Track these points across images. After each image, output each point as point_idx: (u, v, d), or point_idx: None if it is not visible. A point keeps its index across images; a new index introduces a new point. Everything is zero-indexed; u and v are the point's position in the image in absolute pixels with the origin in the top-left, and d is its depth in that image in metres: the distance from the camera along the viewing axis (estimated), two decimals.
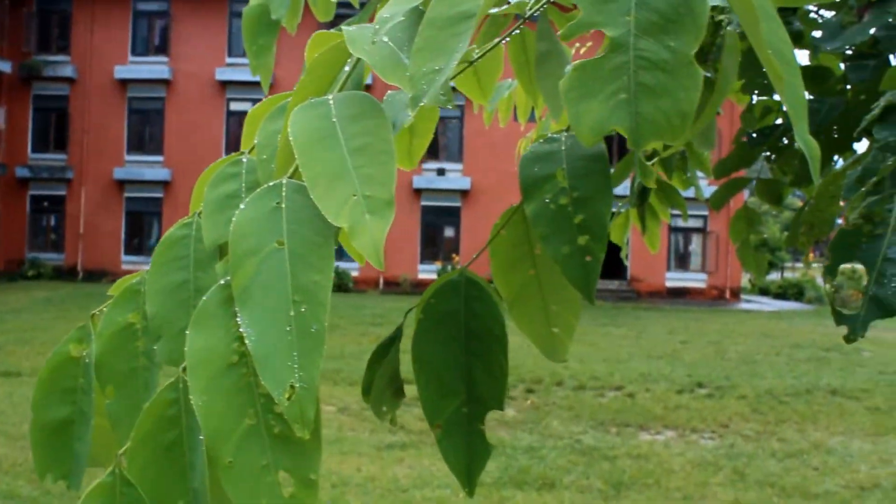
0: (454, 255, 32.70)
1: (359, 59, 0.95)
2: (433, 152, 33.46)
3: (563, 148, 1.08)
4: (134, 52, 34.45)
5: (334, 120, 0.86)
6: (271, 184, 0.86)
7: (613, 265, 31.99)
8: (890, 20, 2.10)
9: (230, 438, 0.79)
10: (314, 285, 0.79)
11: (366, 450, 9.08)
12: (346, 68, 0.99)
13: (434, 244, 33.78)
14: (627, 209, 3.48)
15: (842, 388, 13.94)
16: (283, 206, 0.84)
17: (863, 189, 1.33)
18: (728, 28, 1.52)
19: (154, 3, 34.46)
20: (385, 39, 0.90)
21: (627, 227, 3.55)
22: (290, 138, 0.84)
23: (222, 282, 0.85)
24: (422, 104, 0.77)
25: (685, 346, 18.41)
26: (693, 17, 0.69)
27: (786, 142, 2.65)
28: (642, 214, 3.39)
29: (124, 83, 34.07)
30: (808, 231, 1.67)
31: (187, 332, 0.82)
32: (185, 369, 0.84)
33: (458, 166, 33.68)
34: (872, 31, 2.13)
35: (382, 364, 1.30)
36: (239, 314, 0.80)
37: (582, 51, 3.19)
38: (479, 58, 1.19)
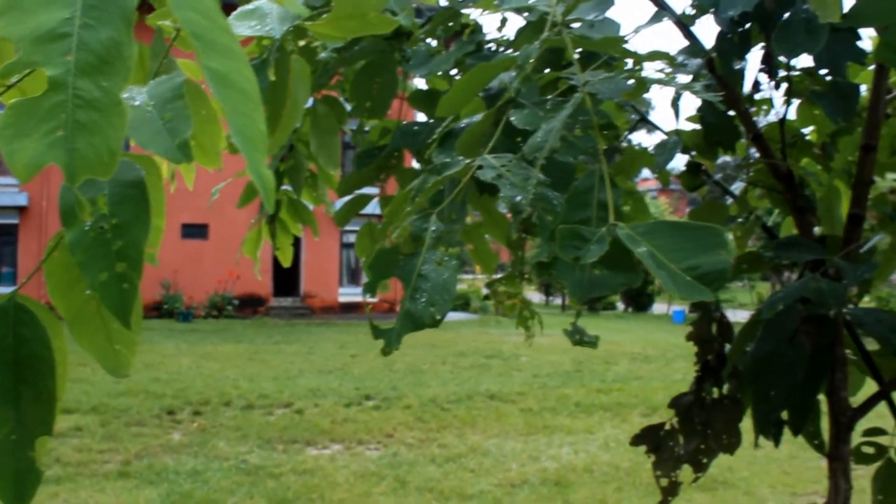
0: None
1: None
2: None
3: None
4: None
5: None
6: None
7: (288, 282, 32.03)
8: (473, 49, 2.26)
9: None
10: None
11: None
12: None
13: None
14: (259, 225, 3.51)
15: (499, 392, 14.75)
16: None
17: (408, 209, 1.42)
18: (293, 56, 1.58)
19: None
20: None
21: (260, 242, 3.57)
22: None
23: None
24: None
25: (355, 360, 18.74)
26: (122, 60, 0.72)
27: (394, 162, 2.77)
28: (273, 230, 3.43)
29: None
30: None
31: None
32: None
33: None
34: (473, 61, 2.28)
35: None
36: None
37: None
38: (18, 81, 1.17)
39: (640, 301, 40.57)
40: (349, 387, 14.99)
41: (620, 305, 41.45)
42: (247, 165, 0.78)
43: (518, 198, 1.25)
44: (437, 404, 13.53)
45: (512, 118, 1.42)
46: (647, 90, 1.50)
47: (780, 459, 9.95)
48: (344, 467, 9.64)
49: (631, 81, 1.39)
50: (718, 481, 9.34)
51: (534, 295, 40.28)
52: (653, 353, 21.28)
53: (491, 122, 1.50)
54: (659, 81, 1.41)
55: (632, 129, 3.01)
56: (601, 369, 18.34)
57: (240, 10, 1.32)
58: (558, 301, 42.29)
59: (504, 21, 2.26)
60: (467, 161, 1.40)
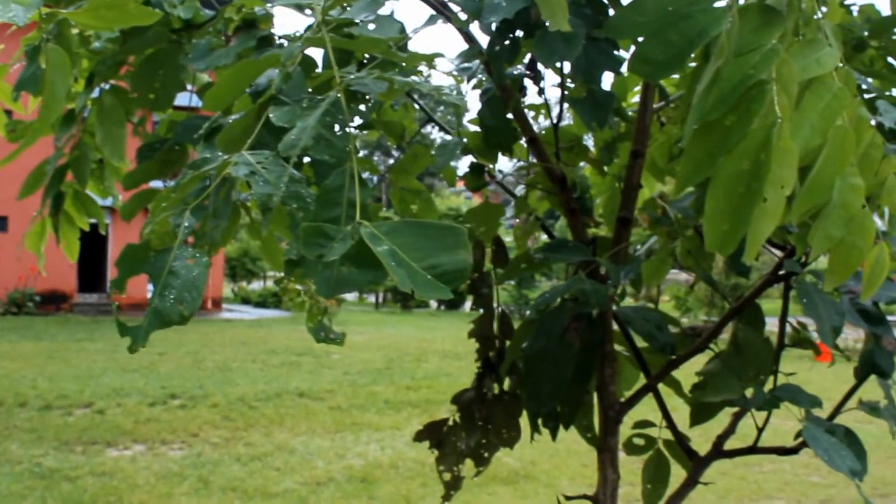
0: None
1: None
2: None
3: None
4: None
5: None
6: None
7: (94, 278, 30.89)
8: (255, 44, 2.24)
9: None
10: None
11: None
12: None
13: None
14: (43, 218, 3.38)
15: (309, 390, 14.68)
16: None
17: (163, 205, 1.40)
18: (49, 45, 1.53)
19: None
20: None
21: (44, 236, 3.44)
22: None
23: None
24: None
25: (162, 358, 18.23)
26: None
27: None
28: (57, 223, 3.31)
29: None
30: None
31: None
32: None
33: None
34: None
35: None
36: None
37: None
38: None
39: (452, 299, 41.07)
40: (155, 385, 14.59)
41: (434, 303, 41.85)
42: None
43: (269, 195, 1.26)
44: (245, 403, 13.35)
45: (271, 115, 1.42)
46: (401, 92, 1.53)
47: (580, 453, 10.28)
48: (145, 468, 9.38)
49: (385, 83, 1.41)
50: (521, 475, 9.60)
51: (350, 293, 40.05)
52: (463, 350, 21.58)
53: (254, 119, 1.50)
54: (409, 84, 1.44)
55: (421, 127, 3.06)
56: (412, 367, 18.50)
57: None
58: (372, 299, 42.37)
59: (270, 16, 2.25)
60: (225, 157, 1.39)
